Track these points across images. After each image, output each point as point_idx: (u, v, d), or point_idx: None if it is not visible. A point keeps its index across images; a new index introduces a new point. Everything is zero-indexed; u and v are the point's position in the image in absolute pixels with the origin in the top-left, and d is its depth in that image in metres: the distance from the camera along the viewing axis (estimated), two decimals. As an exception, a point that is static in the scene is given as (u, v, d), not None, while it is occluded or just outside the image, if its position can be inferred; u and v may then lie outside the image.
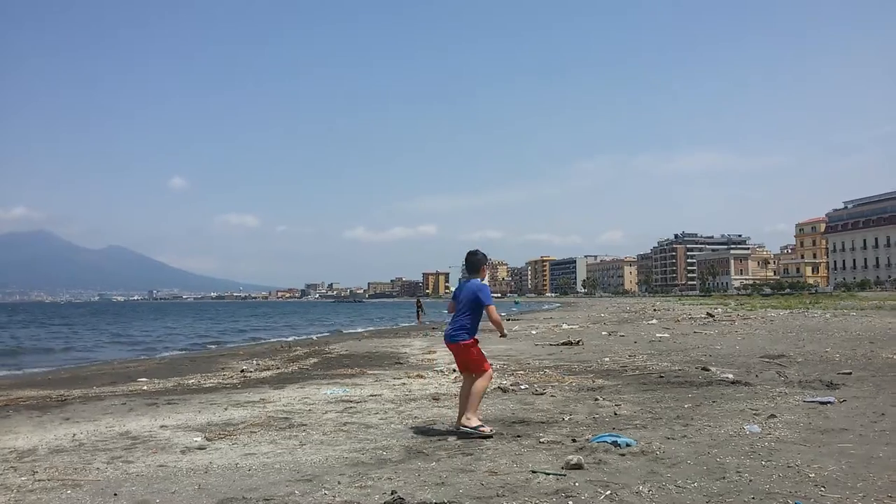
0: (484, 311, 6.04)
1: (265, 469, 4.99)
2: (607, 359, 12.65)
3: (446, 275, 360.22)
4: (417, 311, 40.75)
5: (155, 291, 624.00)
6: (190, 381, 11.58)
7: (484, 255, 6.28)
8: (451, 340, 6.08)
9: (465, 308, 6.06)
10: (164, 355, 21.32)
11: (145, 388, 10.85)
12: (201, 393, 9.72)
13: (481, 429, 5.84)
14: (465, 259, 6.29)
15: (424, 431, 6.24)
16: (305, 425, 6.72)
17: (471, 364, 6.07)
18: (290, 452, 5.52)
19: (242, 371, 13.10)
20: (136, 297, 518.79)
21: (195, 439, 6.13)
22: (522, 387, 9.07)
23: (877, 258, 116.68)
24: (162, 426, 6.89)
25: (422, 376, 10.80)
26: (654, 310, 44.47)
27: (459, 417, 6.01)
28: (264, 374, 12.54)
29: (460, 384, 9.53)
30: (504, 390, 8.77)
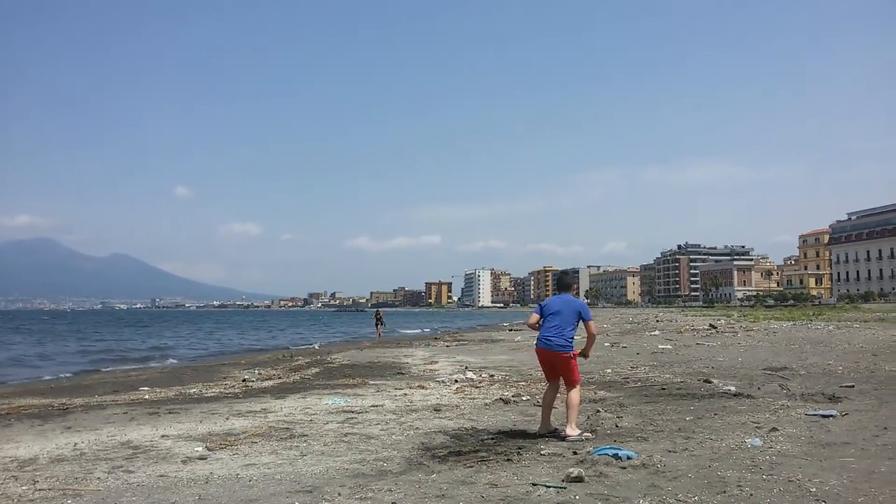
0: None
1: (266, 480, 4.99)
2: (609, 370, 12.63)
3: (449, 284, 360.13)
4: (376, 325, 35.50)
5: (157, 300, 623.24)
6: (191, 391, 11.59)
7: (574, 275, 7.30)
8: (553, 349, 6.39)
9: (570, 321, 6.46)
10: (166, 364, 21.33)
11: (147, 397, 10.85)
12: (203, 402, 9.73)
13: (585, 434, 6.29)
14: (559, 278, 7.03)
15: (425, 443, 6.24)
16: (306, 436, 6.72)
17: (569, 375, 6.45)
18: (290, 463, 5.52)
19: (244, 380, 13.10)
20: (138, 306, 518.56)
21: (196, 449, 6.14)
22: (524, 398, 9.07)
23: (880, 270, 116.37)
24: (163, 436, 6.90)
25: (423, 387, 10.80)
26: (657, 321, 44.38)
27: (546, 423, 6.53)
28: (266, 383, 12.54)
29: (462, 395, 9.59)
30: (506, 401, 8.77)
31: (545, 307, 6.59)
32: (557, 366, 6.47)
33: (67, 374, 17.99)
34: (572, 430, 6.22)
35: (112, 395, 11.12)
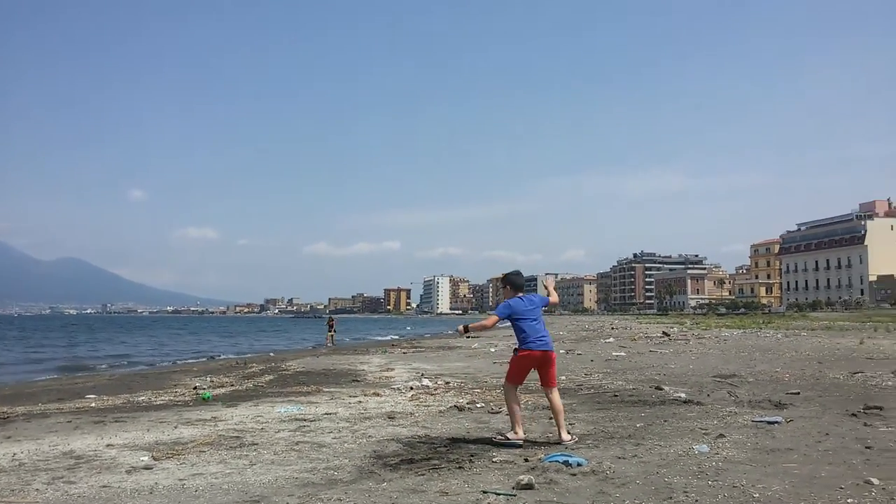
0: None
1: (212, 490, 4.90)
2: (563, 377, 12.72)
3: (408, 291, 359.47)
4: (329, 332, 34.27)
5: (109, 305, 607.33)
6: (140, 398, 11.33)
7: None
8: (552, 349, 6.44)
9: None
10: (115, 371, 20.83)
11: (93, 405, 10.58)
12: (151, 410, 9.52)
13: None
14: (514, 280, 6.63)
15: (378, 451, 6.19)
16: (257, 444, 6.61)
17: (554, 374, 6.48)
18: (239, 472, 5.43)
19: (195, 388, 12.86)
20: (89, 311, 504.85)
21: (142, 459, 5.99)
22: (478, 405, 9.08)
23: (828, 279, 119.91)
24: (108, 445, 6.72)
25: (378, 394, 10.74)
26: (612, 328, 44.95)
27: (561, 431, 6.36)
28: (217, 391, 12.32)
29: (417, 402, 9.56)
30: (460, 409, 8.76)
31: (520, 309, 6.38)
32: (550, 367, 6.39)
33: (10, 382, 17.43)
34: (567, 434, 6.32)
35: (57, 404, 10.81)
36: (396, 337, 48.50)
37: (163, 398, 11.31)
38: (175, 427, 7.79)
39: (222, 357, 27.41)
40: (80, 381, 16.00)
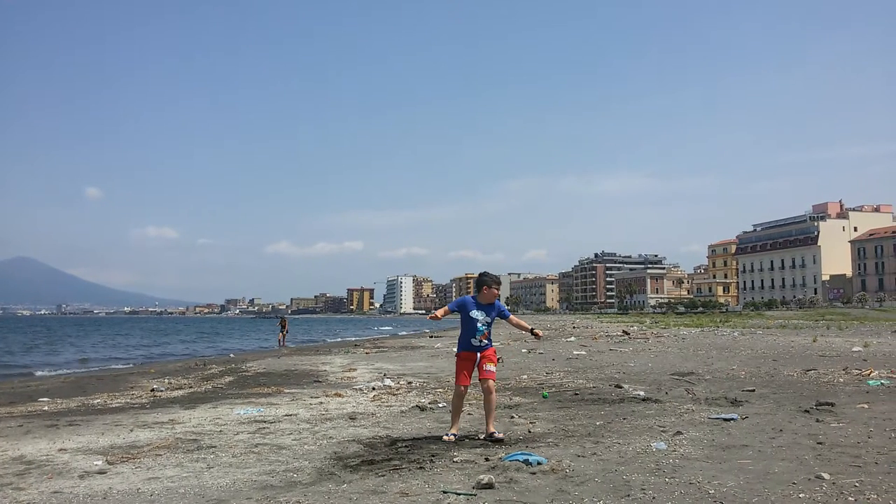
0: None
1: (168, 494, 4.81)
2: (525, 376, 12.80)
3: (371, 291, 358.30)
4: (281, 332, 34.24)
5: (64, 306, 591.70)
6: (95, 401, 11.09)
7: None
8: None
9: None
10: (69, 373, 20.35)
11: (46, 408, 10.32)
12: (106, 413, 9.31)
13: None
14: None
15: (338, 452, 6.15)
16: (215, 447, 6.51)
17: None
18: (196, 476, 5.34)
19: (152, 390, 12.64)
20: (43, 312, 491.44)
21: (95, 463, 5.85)
22: (440, 405, 9.07)
23: (783, 279, 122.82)
24: (60, 449, 6.55)
25: (340, 395, 10.67)
26: (574, 327, 45.38)
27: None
28: (175, 393, 12.13)
29: (379, 403, 9.54)
30: (422, 409, 8.76)
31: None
32: None
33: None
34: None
35: (7, 407, 10.52)
36: (386, 335, 48.35)
37: (119, 401, 11.09)
38: (131, 430, 7.64)
39: (181, 358, 26.95)
40: (33, 384, 15.59)
